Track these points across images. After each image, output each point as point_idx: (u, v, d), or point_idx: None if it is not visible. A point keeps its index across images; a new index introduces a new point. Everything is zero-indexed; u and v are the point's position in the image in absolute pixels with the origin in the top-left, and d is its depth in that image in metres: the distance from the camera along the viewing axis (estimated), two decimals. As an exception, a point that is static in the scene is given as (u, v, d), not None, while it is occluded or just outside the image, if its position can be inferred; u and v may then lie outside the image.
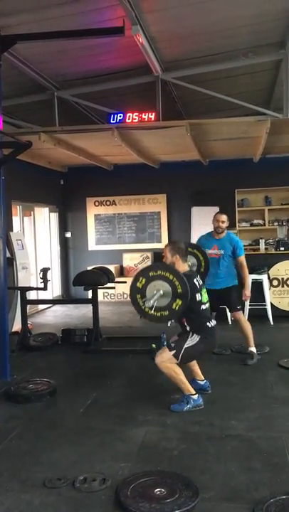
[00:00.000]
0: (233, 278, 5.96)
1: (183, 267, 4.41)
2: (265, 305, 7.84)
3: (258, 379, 5.15)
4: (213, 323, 4.45)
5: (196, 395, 4.32)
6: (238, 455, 3.46)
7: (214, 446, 3.61)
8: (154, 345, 6.28)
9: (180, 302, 4.08)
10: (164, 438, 3.77)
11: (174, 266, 4.34)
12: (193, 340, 4.28)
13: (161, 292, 4.10)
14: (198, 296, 4.34)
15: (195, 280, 4.39)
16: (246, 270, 5.93)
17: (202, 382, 4.70)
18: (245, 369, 5.52)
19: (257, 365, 5.64)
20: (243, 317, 6.06)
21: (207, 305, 4.47)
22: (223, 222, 5.85)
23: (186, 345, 4.25)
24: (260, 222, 10.48)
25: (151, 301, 4.08)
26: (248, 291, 5.98)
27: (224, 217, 5.89)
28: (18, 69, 6.28)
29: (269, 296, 7.89)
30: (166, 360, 4.24)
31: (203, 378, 4.73)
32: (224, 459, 3.40)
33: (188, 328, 4.34)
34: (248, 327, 5.86)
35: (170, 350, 4.25)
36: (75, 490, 3.03)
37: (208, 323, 4.38)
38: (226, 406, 4.40)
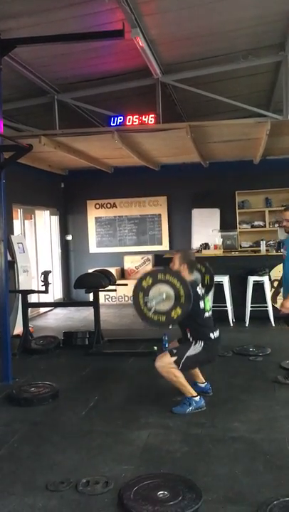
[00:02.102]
0: None
1: (188, 277, 4.43)
2: (266, 306, 7.84)
3: (260, 381, 5.14)
4: (216, 334, 4.42)
5: (198, 397, 4.32)
6: (241, 457, 3.45)
7: (217, 448, 3.60)
8: (155, 348, 6.28)
9: (179, 311, 4.08)
10: (166, 440, 3.76)
11: None
12: (196, 349, 4.26)
13: (164, 297, 4.10)
14: (201, 304, 4.35)
15: (198, 288, 4.42)
16: None
17: (203, 385, 4.69)
18: (247, 371, 5.51)
19: (259, 367, 5.63)
20: None
21: (210, 313, 4.47)
22: (287, 220, 4.97)
23: (188, 354, 4.23)
24: (261, 223, 10.48)
25: (153, 302, 4.09)
26: (286, 302, 4.72)
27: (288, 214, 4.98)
28: (19, 72, 6.30)
29: (270, 297, 7.87)
30: (166, 365, 4.22)
31: (204, 381, 4.72)
32: (227, 461, 3.40)
33: (190, 339, 4.33)
34: None
35: (171, 356, 4.23)
36: (78, 493, 3.02)
37: (210, 334, 4.35)
38: (228, 408, 4.39)
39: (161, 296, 4.11)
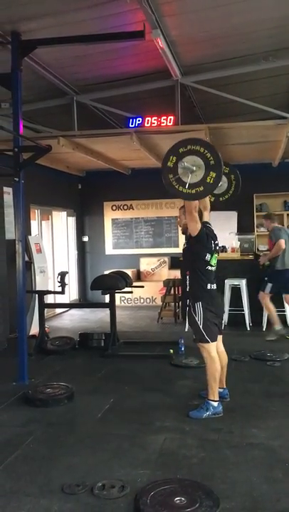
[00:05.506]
0: None
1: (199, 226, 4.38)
2: (284, 311, 7.72)
3: (278, 386, 5.07)
4: (213, 286, 4.40)
5: (217, 403, 4.25)
6: (259, 464, 3.39)
7: (234, 454, 3.54)
8: (171, 350, 6.24)
9: (214, 174, 3.94)
10: (183, 445, 3.71)
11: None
12: (199, 314, 4.27)
13: (194, 168, 3.95)
14: (207, 256, 4.34)
15: (212, 241, 4.42)
16: None
17: (221, 390, 4.60)
18: (265, 376, 5.43)
19: (276, 372, 5.55)
20: None
21: (213, 268, 4.43)
22: None
23: (200, 325, 4.26)
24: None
25: (186, 179, 3.94)
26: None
27: None
28: (38, 74, 6.31)
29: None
30: (207, 350, 4.27)
31: (224, 386, 4.64)
32: (245, 467, 3.34)
33: (187, 288, 4.38)
34: None
35: (199, 342, 4.29)
36: (94, 496, 2.99)
37: (208, 285, 4.34)
38: (245, 414, 4.32)
39: (191, 168, 3.94)
